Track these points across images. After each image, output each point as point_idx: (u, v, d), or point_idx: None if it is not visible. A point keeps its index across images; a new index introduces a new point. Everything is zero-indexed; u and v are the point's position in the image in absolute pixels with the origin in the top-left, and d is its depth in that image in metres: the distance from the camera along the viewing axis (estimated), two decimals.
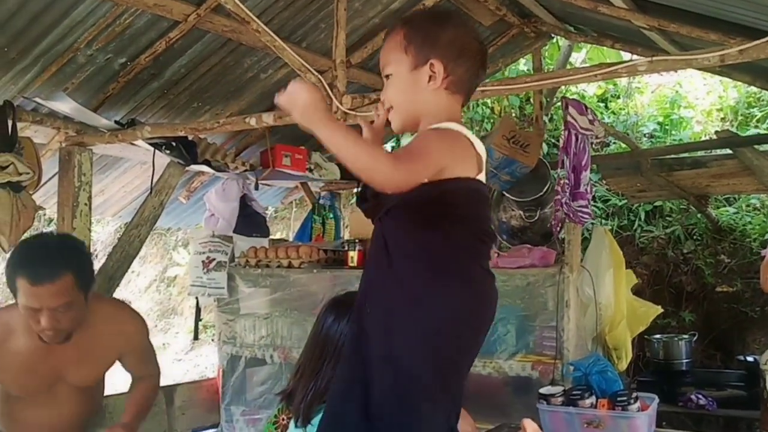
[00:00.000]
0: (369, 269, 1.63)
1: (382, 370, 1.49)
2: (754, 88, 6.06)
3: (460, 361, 1.58)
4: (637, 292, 4.20)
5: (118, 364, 2.87)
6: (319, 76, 3.01)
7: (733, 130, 5.94)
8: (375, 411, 1.48)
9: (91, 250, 3.86)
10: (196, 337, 5.56)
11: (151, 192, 4.03)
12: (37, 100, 3.43)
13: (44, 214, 7.89)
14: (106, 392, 3.02)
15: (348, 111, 2.99)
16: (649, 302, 4.17)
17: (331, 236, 5.26)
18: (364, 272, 1.65)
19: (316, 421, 1.92)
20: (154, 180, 4.03)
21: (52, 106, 3.50)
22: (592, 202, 5.96)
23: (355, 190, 5.09)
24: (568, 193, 3.65)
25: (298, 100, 1.44)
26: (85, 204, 3.74)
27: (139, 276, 8.80)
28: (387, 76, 1.67)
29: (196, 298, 4.76)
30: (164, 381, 3.44)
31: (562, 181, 3.67)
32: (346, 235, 5.39)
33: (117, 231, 8.34)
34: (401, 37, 1.64)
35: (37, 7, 2.95)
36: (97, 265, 4.42)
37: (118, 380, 3.15)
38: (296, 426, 1.99)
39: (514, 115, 6.68)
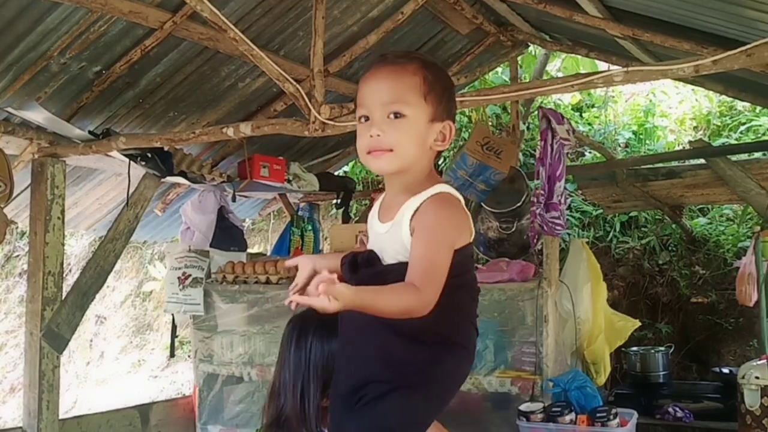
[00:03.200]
0: (363, 338, 1.60)
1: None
2: (726, 98, 6.16)
3: (437, 414, 1.64)
4: (613, 304, 4.22)
5: None
6: (297, 85, 2.99)
7: (706, 139, 6.03)
8: None
9: (65, 265, 3.78)
10: (172, 355, 5.49)
11: (126, 204, 3.97)
12: (9, 109, 3.37)
13: (17, 228, 7.76)
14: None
15: (326, 121, 2.97)
16: (627, 316, 4.20)
17: (310, 249, 5.22)
18: (354, 336, 1.63)
19: None
20: (130, 192, 3.97)
21: (24, 116, 3.44)
22: (568, 213, 6.02)
23: (334, 202, 5.06)
24: (542, 204, 3.66)
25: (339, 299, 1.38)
26: (58, 217, 3.67)
27: (114, 291, 8.66)
28: (397, 115, 1.55)
29: (172, 314, 4.69)
30: (139, 399, 3.39)
31: (537, 192, 3.68)
32: (325, 247, 5.36)
33: (91, 245, 8.21)
34: (420, 80, 1.56)
35: (9, 14, 2.89)
36: (70, 280, 4.36)
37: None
38: None
39: (491, 124, 6.72)
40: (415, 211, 1.52)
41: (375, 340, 1.56)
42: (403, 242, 1.52)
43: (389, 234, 1.58)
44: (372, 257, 1.61)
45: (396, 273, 1.50)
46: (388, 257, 1.57)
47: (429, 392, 1.56)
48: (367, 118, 1.59)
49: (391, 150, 1.56)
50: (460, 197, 1.62)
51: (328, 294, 1.33)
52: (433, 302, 1.43)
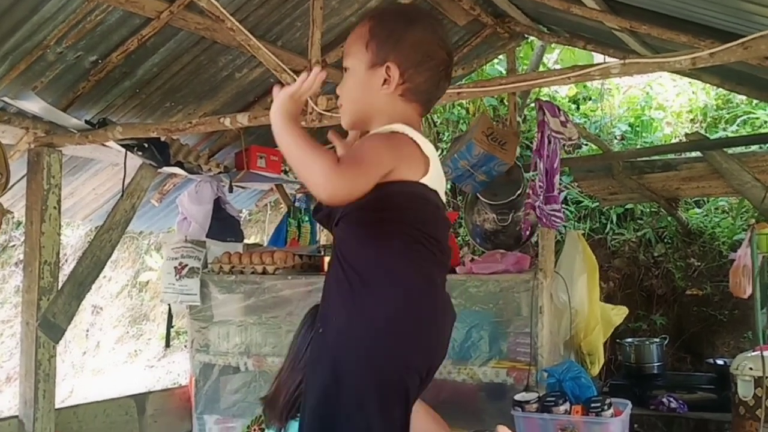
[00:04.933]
0: (327, 277, 1.60)
1: (332, 376, 1.46)
2: (723, 90, 6.16)
3: (405, 370, 1.48)
4: (608, 295, 4.25)
5: None
6: (295, 76, 2.99)
7: (703, 132, 6.04)
8: (328, 413, 1.46)
9: (61, 255, 3.78)
10: (168, 345, 5.50)
11: (122, 195, 3.97)
12: (5, 99, 3.36)
13: (13, 218, 7.75)
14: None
15: (323, 112, 2.97)
16: (616, 306, 4.23)
17: (306, 240, 5.23)
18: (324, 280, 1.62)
19: (293, 427, 1.90)
20: (126, 182, 3.97)
21: (20, 106, 3.43)
22: (564, 206, 6.03)
23: None
24: (541, 197, 3.66)
25: (273, 104, 1.42)
26: (55, 207, 3.66)
27: (110, 281, 8.66)
28: (345, 69, 1.60)
29: (168, 304, 4.70)
30: (135, 389, 3.40)
31: (535, 184, 3.68)
32: (322, 239, 5.36)
33: (88, 235, 8.20)
34: (366, 31, 1.57)
35: (5, 3, 2.88)
36: (67, 269, 4.35)
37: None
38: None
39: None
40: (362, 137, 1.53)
41: (329, 293, 1.55)
42: None
43: None
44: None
45: (339, 209, 1.47)
46: None
47: (367, 339, 1.45)
48: None
49: (341, 105, 1.61)
50: (418, 137, 1.53)
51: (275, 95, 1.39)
52: (342, 188, 1.33)
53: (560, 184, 3.76)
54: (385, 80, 1.53)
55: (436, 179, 1.56)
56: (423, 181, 1.52)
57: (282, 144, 1.39)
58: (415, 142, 1.52)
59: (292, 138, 1.37)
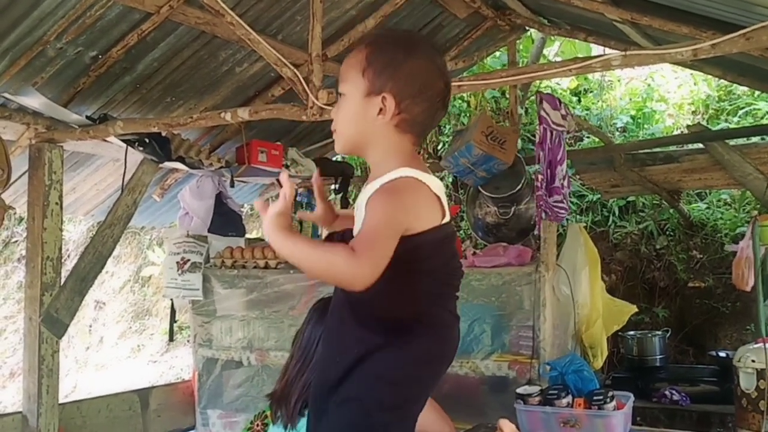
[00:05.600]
0: (333, 317, 1.61)
1: (342, 408, 1.50)
2: (724, 82, 6.15)
3: (418, 404, 1.58)
4: (611, 288, 4.25)
5: None
6: (295, 70, 2.98)
7: (704, 123, 6.03)
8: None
9: (63, 250, 3.79)
10: (171, 339, 5.51)
11: (124, 190, 3.97)
12: (6, 95, 3.35)
13: (15, 214, 7.75)
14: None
15: (324, 106, 2.97)
16: (623, 301, 4.22)
17: (308, 234, 5.22)
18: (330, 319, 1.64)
19: (301, 424, 1.91)
20: (127, 178, 3.97)
21: (21, 101, 3.43)
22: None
23: (332, 187, 5.07)
24: (545, 189, 3.66)
25: (265, 225, 1.40)
26: (56, 203, 3.66)
27: (113, 276, 8.68)
28: (340, 94, 1.57)
29: (171, 299, 4.71)
30: (138, 383, 3.40)
31: (539, 177, 3.68)
32: (323, 233, 5.35)
33: (89, 230, 8.21)
34: (363, 57, 1.53)
35: None
36: (69, 265, 4.35)
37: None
38: (286, 429, 1.98)
39: (489, 108, 6.71)
40: (371, 197, 1.48)
41: (338, 322, 1.57)
42: (360, 217, 1.50)
43: (356, 216, 1.57)
44: (347, 236, 1.57)
45: None
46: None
47: (405, 384, 1.52)
48: None
49: (335, 130, 1.59)
50: (426, 179, 1.52)
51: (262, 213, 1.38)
52: (367, 275, 1.33)
53: (566, 175, 3.75)
54: (380, 110, 1.50)
55: (447, 212, 1.57)
56: (442, 222, 1.54)
57: (290, 257, 1.39)
58: (425, 184, 1.51)
59: (297, 249, 1.38)
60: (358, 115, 1.52)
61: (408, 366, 1.51)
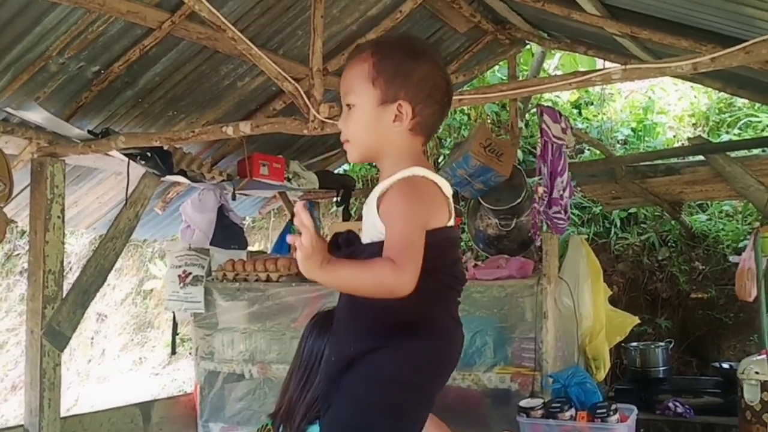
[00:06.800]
0: (340, 312, 1.63)
1: (348, 406, 1.52)
2: (724, 94, 6.16)
3: (420, 410, 1.59)
4: (613, 300, 4.23)
5: None
6: (296, 84, 3.00)
7: (705, 135, 6.04)
8: None
9: (65, 264, 3.79)
10: (173, 352, 5.51)
11: (126, 203, 3.98)
12: (8, 109, 3.37)
13: (17, 227, 7.77)
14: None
15: (325, 120, 2.98)
16: (626, 312, 4.21)
17: None
18: (336, 321, 1.65)
19: None
20: (129, 191, 3.98)
21: (23, 116, 3.44)
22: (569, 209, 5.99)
23: (334, 200, 5.07)
24: (546, 201, 3.67)
25: (303, 266, 1.40)
26: (58, 216, 3.67)
27: (114, 289, 8.67)
28: (348, 105, 1.58)
29: (173, 312, 4.70)
30: (140, 396, 3.39)
31: (540, 189, 3.69)
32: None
33: (92, 243, 8.22)
34: (370, 67, 1.54)
35: (8, 14, 2.90)
36: (71, 278, 4.36)
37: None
38: None
39: (490, 121, 6.72)
40: (384, 193, 1.50)
41: (347, 322, 1.58)
42: (372, 222, 1.51)
43: (365, 214, 1.59)
44: (351, 237, 1.60)
45: (369, 252, 1.49)
46: (364, 237, 1.57)
47: (405, 384, 1.53)
48: None
49: (348, 141, 1.59)
50: (437, 180, 1.57)
51: (298, 249, 1.35)
52: (411, 281, 1.37)
53: (567, 186, 3.76)
54: (396, 117, 1.53)
55: (453, 215, 1.61)
56: (449, 224, 1.57)
57: (337, 287, 1.46)
58: (437, 185, 1.55)
59: (341, 278, 1.41)
60: (374, 124, 1.55)
61: (410, 367, 1.52)
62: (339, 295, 1.64)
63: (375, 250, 1.46)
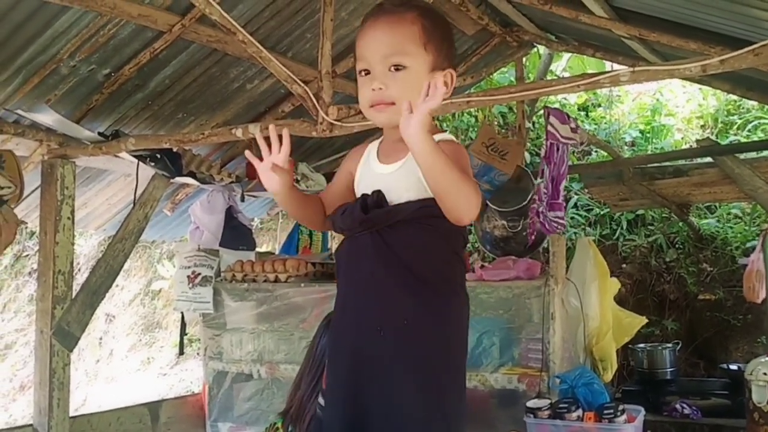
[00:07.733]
0: (380, 286, 1.54)
1: (414, 387, 1.50)
2: (733, 96, 6.14)
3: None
4: (620, 301, 4.24)
5: None
6: (305, 87, 3.01)
7: (714, 137, 6.02)
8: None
9: (74, 265, 3.82)
10: (181, 352, 5.52)
11: (135, 205, 4.00)
12: (19, 112, 3.40)
13: (26, 228, 7.82)
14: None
15: (334, 122, 2.99)
16: (633, 313, 4.20)
17: (318, 248, 5.25)
18: (365, 290, 1.56)
19: None
20: (138, 192, 4.00)
21: (34, 118, 3.47)
22: (575, 211, 6.02)
23: None
24: (545, 203, 3.67)
25: (415, 123, 1.38)
26: (68, 218, 3.70)
27: (123, 290, 8.71)
28: (398, 67, 1.52)
29: (182, 312, 4.73)
30: (148, 396, 3.41)
31: (540, 190, 3.70)
32: (334, 246, 5.38)
33: (101, 244, 8.26)
34: (419, 29, 1.52)
35: (19, 17, 2.92)
36: (80, 279, 4.39)
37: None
38: None
39: (497, 123, 6.72)
40: (442, 142, 1.51)
41: (399, 283, 1.52)
42: (419, 176, 1.46)
43: (400, 172, 1.55)
44: (380, 198, 1.56)
45: (406, 211, 1.49)
46: (396, 196, 1.54)
47: (454, 341, 1.55)
48: (367, 72, 1.55)
49: (393, 103, 1.53)
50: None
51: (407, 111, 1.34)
52: (476, 212, 1.41)
53: (569, 191, 3.77)
54: (445, 85, 1.50)
55: None
56: None
57: (433, 163, 1.36)
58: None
59: (442, 158, 1.36)
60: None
61: (467, 313, 1.59)
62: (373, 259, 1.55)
63: (412, 209, 1.48)
